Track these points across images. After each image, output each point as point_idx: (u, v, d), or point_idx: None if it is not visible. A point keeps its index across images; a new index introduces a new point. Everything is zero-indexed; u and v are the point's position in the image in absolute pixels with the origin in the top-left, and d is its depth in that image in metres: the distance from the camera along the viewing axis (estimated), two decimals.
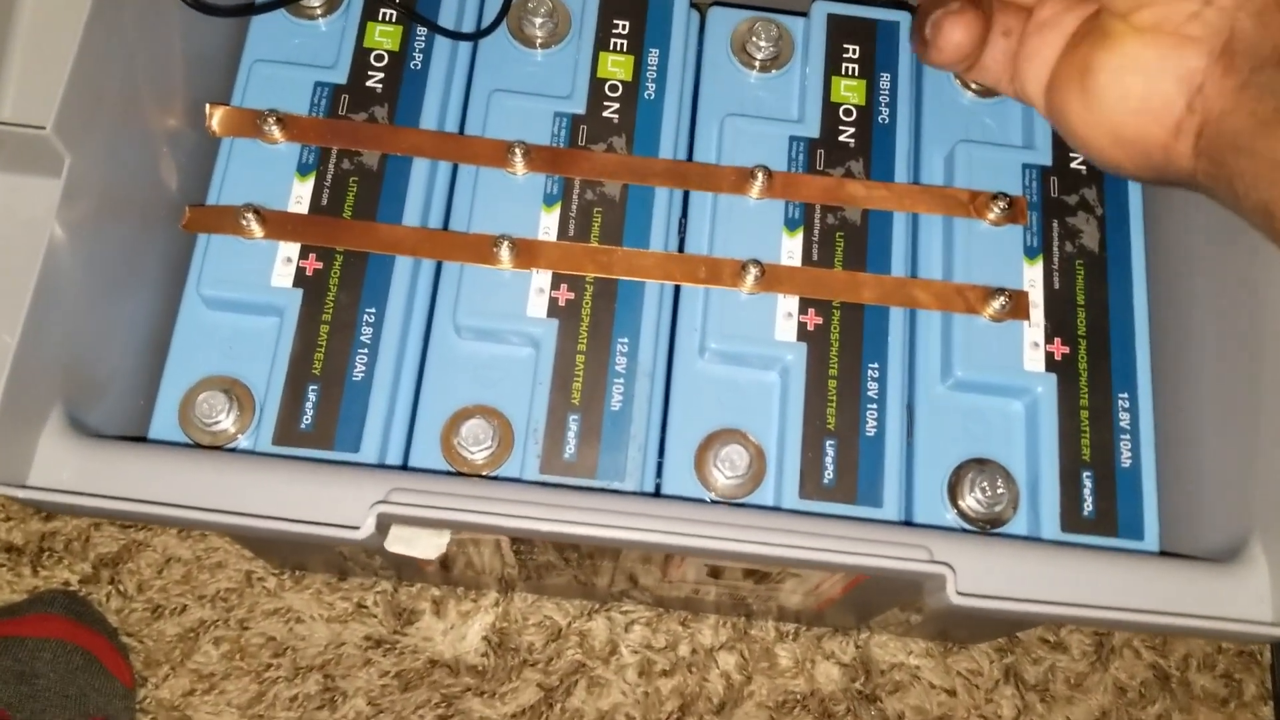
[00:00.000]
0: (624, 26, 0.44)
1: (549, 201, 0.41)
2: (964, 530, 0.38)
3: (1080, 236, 0.42)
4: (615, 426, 0.38)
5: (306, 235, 0.39)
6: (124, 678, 0.51)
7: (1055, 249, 0.41)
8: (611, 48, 0.43)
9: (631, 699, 0.53)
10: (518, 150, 0.40)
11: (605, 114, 0.42)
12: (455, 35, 0.43)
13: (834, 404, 0.39)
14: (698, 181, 0.41)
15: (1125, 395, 0.40)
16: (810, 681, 0.54)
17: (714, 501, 0.38)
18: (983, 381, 0.40)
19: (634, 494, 0.38)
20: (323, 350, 0.38)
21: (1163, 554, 0.38)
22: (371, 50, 0.42)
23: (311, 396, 0.38)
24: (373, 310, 0.39)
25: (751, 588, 0.47)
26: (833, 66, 0.44)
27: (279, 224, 0.39)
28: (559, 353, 0.39)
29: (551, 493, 0.35)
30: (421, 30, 0.43)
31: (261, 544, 0.51)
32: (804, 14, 0.45)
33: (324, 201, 0.40)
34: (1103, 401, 0.39)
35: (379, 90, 0.42)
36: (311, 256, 0.39)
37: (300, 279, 0.39)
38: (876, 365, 0.39)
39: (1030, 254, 0.41)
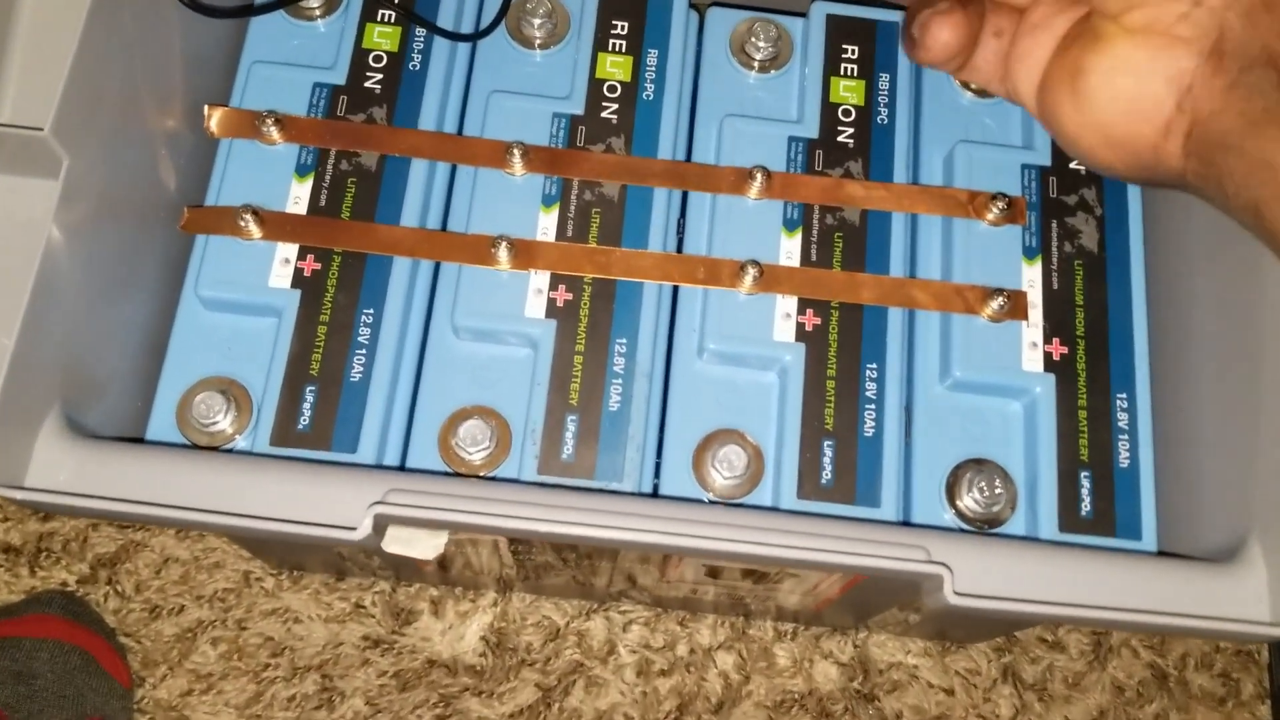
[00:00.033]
0: (623, 27, 0.44)
1: (547, 202, 0.41)
2: (962, 530, 0.38)
3: (1079, 237, 0.42)
4: (613, 427, 0.38)
5: (305, 236, 0.39)
6: (122, 678, 0.51)
7: (1054, 249, 0.41)
8: (610, 48, 0.43)
9: (630, 699, 0.54)
10: (516, 151, 0.40)
11: (604, 114, 0.42)
12: (454, 36, 0.43)
13: (832, 404, 0.39)
14: (696, 182, 0.41)
15: (1124, 395, 0.40)
16: (808, 681, 0.54)
17: (712, 502, 0.38)
18: (981, 382, 0.40)
19: (632, 494, 0.38)
20: (320, 351, 0.38)
21: (1161, 554, 0.38)
22: (370, 51, 0.42)
23: (309, 397, 0.38)
24: (371, 311, 0.39)
25: (750, 588, 0.47)
26: (832, 67, 0.44)
27: (277, 225, 0.39)
28: (557, 353, 0.39)
29: (549, 493, 0.35)
30: (420, 31, 0.43)
31: (259, 544, 0.51)
32: (803, 14, 0.45)
33: (322, 202, 0.40)
34: (1101, 402, 0.39)
35: (378, 91, 0.42)
36: (310, 257, 0.39)
37: (298, 280, 0.39)
38: (875, 365, 0.39)
39: (1029, 254, 0.41)
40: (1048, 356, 0.40)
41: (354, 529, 0.32)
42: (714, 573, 0.45)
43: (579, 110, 0.42)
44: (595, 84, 0.43)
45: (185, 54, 0.41)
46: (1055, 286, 0.41)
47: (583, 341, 0.39)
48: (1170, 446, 0.40)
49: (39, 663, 0.48)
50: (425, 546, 0.36)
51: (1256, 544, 0.35)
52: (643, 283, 0.40)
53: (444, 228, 0.41)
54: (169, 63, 0.40)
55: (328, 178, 0.40)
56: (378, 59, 0.42)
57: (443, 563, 0.48)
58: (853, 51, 0.44)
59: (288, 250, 0.39)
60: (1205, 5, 0.27)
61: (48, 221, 0.33)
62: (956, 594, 0.33)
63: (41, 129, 0.32)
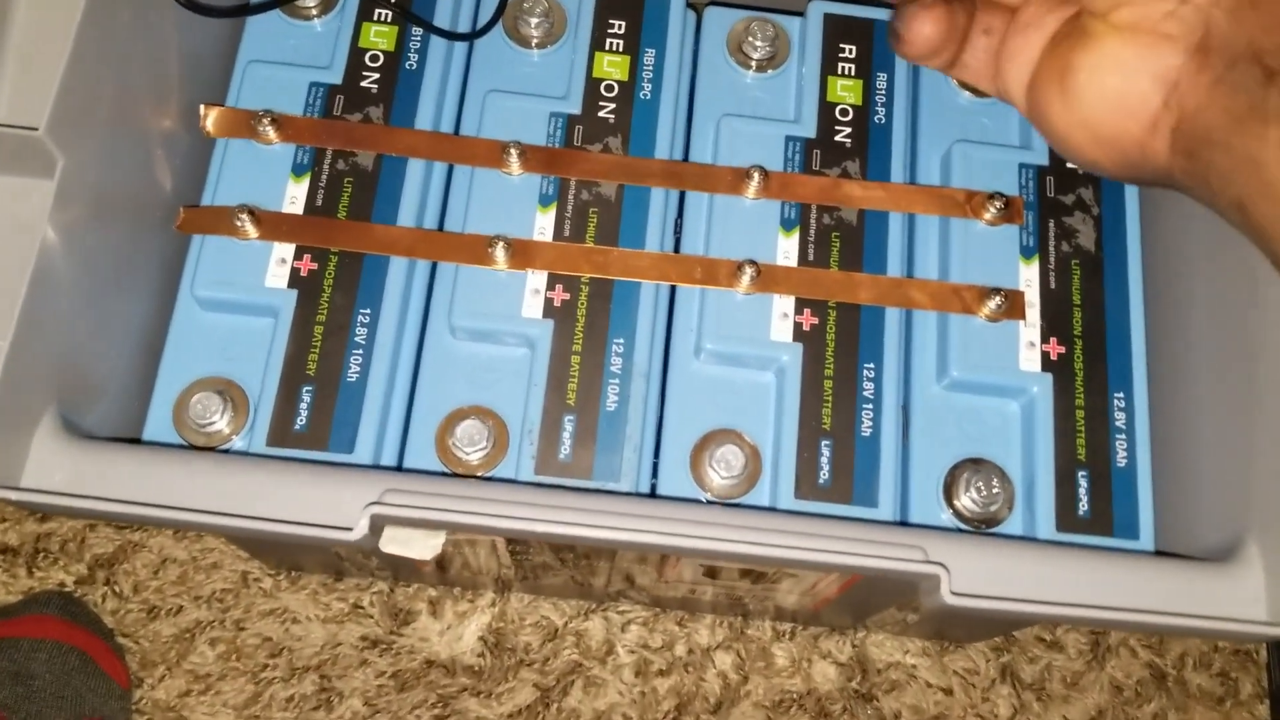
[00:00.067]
0: (620, 26, 0.44)
1: (544, 202, 0.41)
2: (959, 530, 0.38)
3: (1076, 236, 0.42)
4: (611, 427, 0.38)
5: (301, 236, 0.39)
6: (120, 679, 0.51)
7: (1051, 249, 0.41)
8: (607, 48, 0.43)
9: (628, 699, 0.53)
10: (513, 150, 0.40)
11: (601, 114, 0.42)
12: (451, 35, 0.43)
13: (830, 404, 0.39)
14: (694, 182, 0.41)
15: (1121, 395, 0.40)
16: (807, 681, 0.54)
17: (709, 502, 0.38)
18: (978, 381, 0.40)
19: (629, 495, 0.38)
20: (317, 351, 0.38)
21: (1158, 554, 0.38)
22: (367, 50, 0.42)
23: (306, 397, 0.38)
24: (367, 311, 0.39)
25: (748, 588, 0.47)
26: (829, 66, 0.44)
27: (274, 225, 0.39)
28: (554, 353, 0.39)
29: (546, 494, 0.35)
30: (417, 30, 0.43)
31: (257, 545, 0.51)
32: (800, 14, 0.45)
33: (319, 202, 0.40)
34: (1098, 401, 0.39)
35: (374, 90, 0.42)
36: (306, 257, 0.39)
37: (295, 280, 0.39)
38: (872, 365, 0.39)
39: (1026, 254, 0.41)
40: (1045, 356, 0.40)
41: (350, 529, 0.32)
42: (712, 573, 0.45)
43: (576, 110, 0.42)
44: (592, 83, 0.43)
45: (181, 53, 0.41)
46: (1052, 286, 0.41)
47: (580, 341, 0.39)
48: (1167, 446, 0.40)
49: (37, 663, 0.48)
50: (422, 547, 0.36)
51: (1254, 543, 0.35)
52: (640, 283, 0.40)
53: (441, 227, 0.41)
54: (165, 62, 0.40)
55: (324, 177, 0.40)
56: (374, 58, 0.42)
57: (441, 563, 0.48)
58: (850, 51, 0.44)
59: (284, 250, 0.39)
60: (1191, 2, 0.27)
61: (43, 222, 0.33)
62: (954, 594, 0.33)
63: (36, 129, 0.32)
